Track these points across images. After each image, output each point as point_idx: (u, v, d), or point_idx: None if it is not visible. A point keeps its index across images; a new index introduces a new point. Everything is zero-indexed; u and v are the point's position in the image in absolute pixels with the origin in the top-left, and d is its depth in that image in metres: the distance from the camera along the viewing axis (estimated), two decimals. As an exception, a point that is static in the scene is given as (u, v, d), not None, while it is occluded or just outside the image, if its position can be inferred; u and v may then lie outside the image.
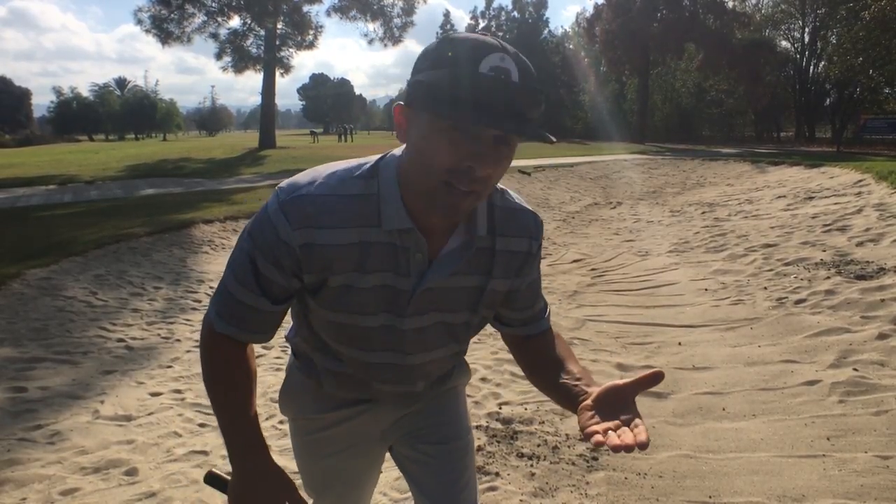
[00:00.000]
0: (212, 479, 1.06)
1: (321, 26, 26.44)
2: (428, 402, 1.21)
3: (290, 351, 1.23)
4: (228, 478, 1.03)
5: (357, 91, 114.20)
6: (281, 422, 2.91)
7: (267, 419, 2.96)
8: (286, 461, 2.42)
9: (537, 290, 1.12)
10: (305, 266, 0.91)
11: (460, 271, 0.98)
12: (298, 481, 1.31)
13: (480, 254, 1.00)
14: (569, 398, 0.95)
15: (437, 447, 1.19)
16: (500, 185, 1.02)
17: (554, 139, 0.85)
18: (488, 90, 0.77)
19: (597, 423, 0.79)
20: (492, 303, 1.06)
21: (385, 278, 0.95)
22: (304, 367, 1.17)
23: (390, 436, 1.23)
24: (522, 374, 3.87)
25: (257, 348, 3.96)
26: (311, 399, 1.18)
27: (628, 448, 0.74)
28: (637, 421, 0.78)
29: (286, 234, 0.89)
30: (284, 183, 0.93)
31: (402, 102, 0.87)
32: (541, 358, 1.09)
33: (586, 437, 0.78)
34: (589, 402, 0.84)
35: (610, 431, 0.77)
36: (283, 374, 1.27)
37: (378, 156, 0.96)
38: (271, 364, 3.70)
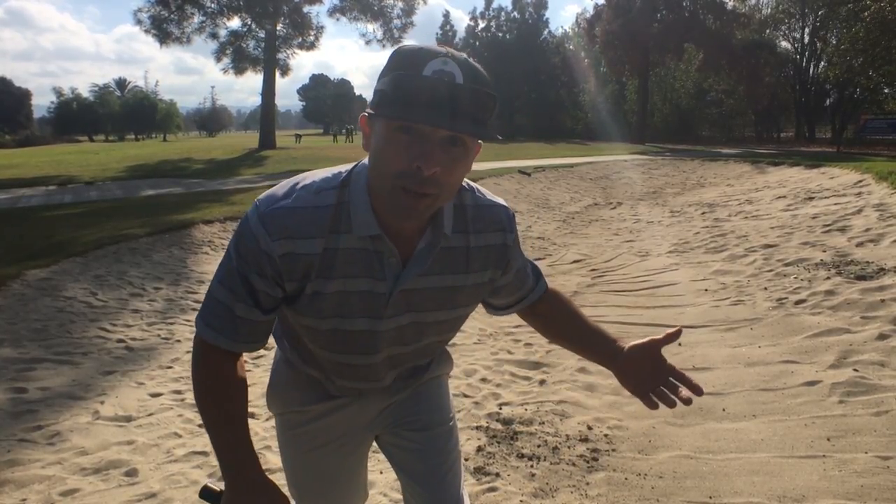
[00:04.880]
0: (206, 494, 1.07)
1: (322, 27, 26.47)
2: (411, 392, 1.25)
3: (277, 347, 1.26)
4: (222, 491, 1.03)
5: (357, 91, 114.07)
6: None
7: (267, 420, 2.96)
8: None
9: (525, 273, 1.19)
10: (286, 275, 0.95)
11: (433, 271, 1.01)
12: (283, 482, 1.31)
13: (455, 253, 1.03)
14: (594, 353, 1.18)
15: (421, 434, 1.24)
16: (470, 184, 1.06)
17: (500, 138, 0.90)
18: (429, 90, 0.80)
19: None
20: (470, 298, 1.10)
21: (362, 283, 0.98)
22: (291, 361, 1.20)
23: (376, 426, 1.27)
24: (522, 374, 3.85)
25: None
26: (298, 392, 1.21)
27: (686, 400, 1.05)
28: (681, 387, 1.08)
29: (266, 245, 0.92)
30: (263, 195, 0.96)
31: (366, 113, 0.92)
32: (550, 319, 1.24)
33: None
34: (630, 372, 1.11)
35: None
36: None
37: (352, 165, 1.00)
38: (271, 364, 3.70)
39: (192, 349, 1.04)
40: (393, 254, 0.97)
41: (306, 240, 0.93)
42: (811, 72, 37.91)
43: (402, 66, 0.84)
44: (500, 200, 1.10)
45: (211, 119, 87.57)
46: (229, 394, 1.02)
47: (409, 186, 0.84)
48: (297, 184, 0.97)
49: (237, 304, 0.96)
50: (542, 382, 3.39)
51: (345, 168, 1.00)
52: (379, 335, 1.04)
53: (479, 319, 4.34)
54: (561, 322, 1.22)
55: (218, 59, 25.68)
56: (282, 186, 0.97)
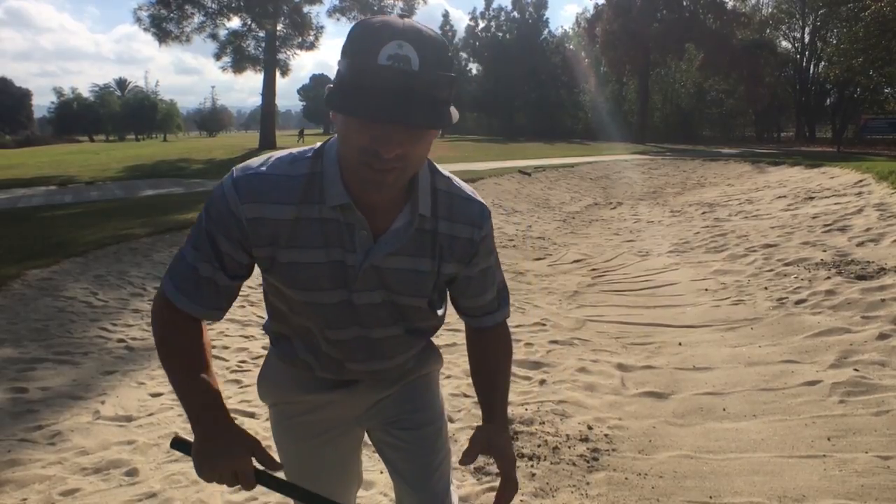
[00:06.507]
0: (178, 444, 1.06)
1: (322, 27, 26.48)
2: (402, 389, 1.25)
3: (268, 340, 1.27)
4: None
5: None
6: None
7: (267, 420, 2.95)
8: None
9: (489, 281, 1.15)
10: (253, 239, 0.97)
11: (405, 252, 1.02)
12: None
13: (423, 236, 1.03)
14: (483, 409, 1.19)
15: (411, 433, 1.25)
16: (448, 173, 1.07)
17: (454, 120, 0.88)
18: (384, 81, 0.80)
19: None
20: (442, 287, 1.12)
21: (334, 254, 0.99)
22: (281, 352, 1.20)
23: (365, 422, 1.28)
24: (523, 374, 3.83)
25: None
26: (289, 383, 1.22)
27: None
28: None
29: (236, 207, 0.95)
30: (240, 164, 1.00)
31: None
32: (480, 358, 1.22)
33: None
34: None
35: None
36: None
37: (326, 139, 1.03)
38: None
39: (152, 307, 1.05)
40: (363, 226, 0.98)
41: (275, 205, 0.95)
42: (811, 71, 37.95)
43: (359, 50, 0.83)
44: (478, 196, 1.09)
45: (211, 119, 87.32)
46: (191, 346, 1.03)
47: (372, 164, 0.86)
48: (273, 155, 1.01)
49: (202, 265, 0.98)
50: (542, 382, 3.39)
51: (320, 143, 1.02)
52: (356, 308, 1.04)
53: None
54: (486, 369, 1.22)
55: (218, 58, 25.71)
56: (259, 157, 1.01)
